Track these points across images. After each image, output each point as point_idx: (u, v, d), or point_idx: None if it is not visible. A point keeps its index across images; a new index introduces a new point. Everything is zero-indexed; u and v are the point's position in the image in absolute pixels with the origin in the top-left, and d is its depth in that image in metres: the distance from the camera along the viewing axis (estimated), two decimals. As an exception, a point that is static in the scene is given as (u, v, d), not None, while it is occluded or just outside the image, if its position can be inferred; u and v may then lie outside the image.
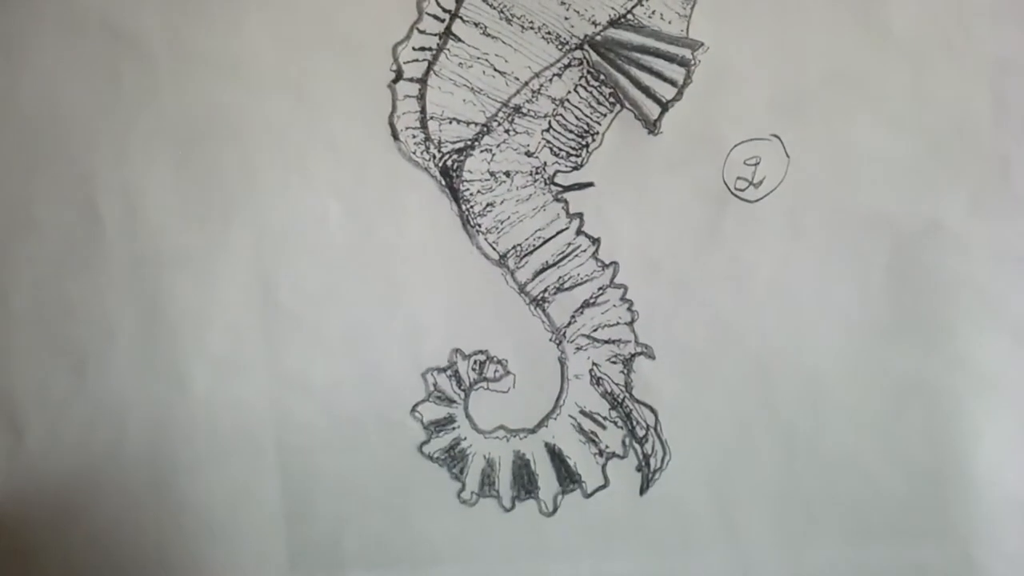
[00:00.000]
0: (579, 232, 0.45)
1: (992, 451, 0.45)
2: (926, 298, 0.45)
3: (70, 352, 0.47)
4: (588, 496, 0.47)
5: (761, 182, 0.44)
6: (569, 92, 0.44)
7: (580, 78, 0.44)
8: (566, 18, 0.43)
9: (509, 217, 0.45)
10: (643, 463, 0.47)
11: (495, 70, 0.44)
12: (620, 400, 0.46)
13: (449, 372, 0.46)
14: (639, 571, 0.47)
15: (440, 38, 0.44)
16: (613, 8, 0.43)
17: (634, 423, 0.47)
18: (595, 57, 0.43)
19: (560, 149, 0.45)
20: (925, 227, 0.44)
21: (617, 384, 0.46)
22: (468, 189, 0.45)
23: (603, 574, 0.47)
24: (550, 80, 0.44)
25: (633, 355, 0.46)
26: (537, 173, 0.45)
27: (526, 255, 0.45)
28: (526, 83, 0.44)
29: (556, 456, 0.47)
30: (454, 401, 0.47)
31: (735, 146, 0.44)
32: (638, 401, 0.46)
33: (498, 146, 0.45)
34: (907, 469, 0.46)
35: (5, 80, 0.46)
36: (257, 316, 0.46)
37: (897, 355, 0.45)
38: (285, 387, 0.47)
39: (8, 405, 0.47)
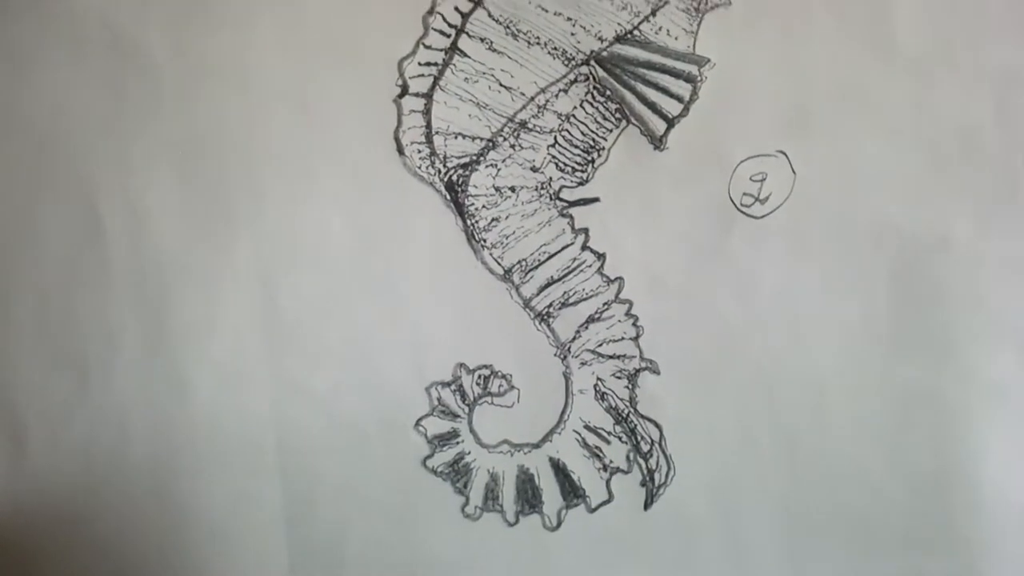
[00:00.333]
0: (584, 247, 0.45)
1: (997, 463, 0.45)
2: (931, 311, 0.45)
3: (73, 361, 0.47)
4: (592, 511, 0.47)
5: (767, 198, 0.44)
6: (575, 107, 0.44)
7: (586, 93, 0.44)
8: (572, 34, 0.43)
9: (514, 232, 0.45)
10: (647, 478, 0.47)
11: (501, 85, 0.44)
12: (624, 415, 0.46)
13: (453, 386, 0.46)
14: (643, 586, 0.47)
15: (446, 53, 0.44)
16: (620, 24, 0.43)
17: (638, 438, 0.46)
18: (601, 73, 0.43)
19: (566, 164, 0.45)
20: (931, 241, 0.44)
21: (621, 399, 0.46)
22: (473, 204, 0.45)
23: (607, 588, 0.47)
24: (556, 95, 0.44)
25: (638, 370, 0.46)
26: (542, 188, 0.45)
27: (531, 270, 0.45)
28: (532, 98, 0.44)
29: (560, 471, 0.47)
30: (458, 415, 0.47)
31: (741, 162, 0.44)
32: (642, 416, 0.46)
33: (503, 161, 0.45)
34: (912, 482, 0.46)
35: (10, 91, 0.45)
36: (260, 327, 0.46)
37: (902, 369, 0.45)
38: (287, 397, 0.47)
39: (10, 414, 0.47)
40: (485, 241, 0.45)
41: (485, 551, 0.47)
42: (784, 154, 0.44)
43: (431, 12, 0.43)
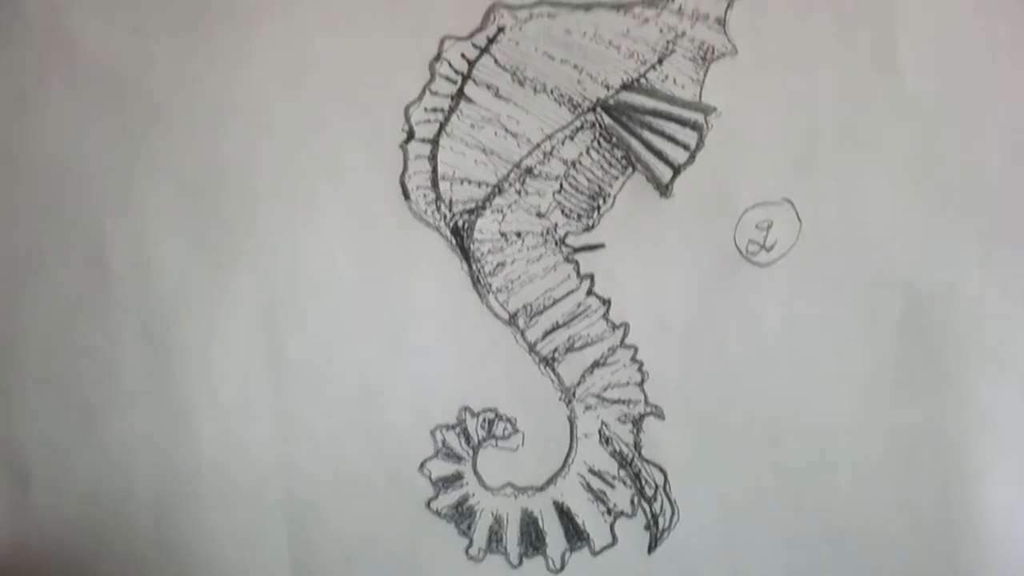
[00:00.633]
0: (589, 293, 0.45)
1: (1002, 506, 0.45)
2: (936, 356, 0.45)
3: (77, 401, 0.47)
4: (596, 554, 0.47)
5: (773, 246, 0.44)
6: (581, 154, 0.44)
7: (592, 140, 0.44)
8: (579, 81, 0.43)
9: (519, 277, 0.45)
10: (651, 522, 0.47)
11: (507, 131, 0.44)
12: (629, 459, 0.46)
13: (458, 429, 0.46)
14: (647, 630, 0.47)
15: (452, 99, 0.44)
16: (626, 72, 0.43)
17: (643, 482, 0.46)
18: (608, 120, 0.43)
19: (571, 210, 0.45)
20: (937, 287, 0.44)
21: (626, 443, 0.46)
22: (479, 249, 0.45)
23: (610, 632, 0.47)
24: (562, 142, 0.44)
25: (642, 415, 0.46)
26: (548, 234, 0.45)
27: (536, 315, 0.45)
28: (538, 145, 0.44)
29: (564, 514, 0.47)
30: (462, 458, 0.47)
31: (747, 210, 0.44)
32: (647, 460, 0.46)
33: (509, 207, 0.45)
34: (917, 525, 0.46)
35: (13, 128, 0.45)
36: (265, 369, 0.46)
37: (907, 413, 0.45)
38: (292, 437, 0.47)
39: (14, 454, 0.47)
40: (491, 285, 0.45)
41: (489, 593, 0.47)
42: (790, 202, 0.44)
43: (438, 58, 0.43)
